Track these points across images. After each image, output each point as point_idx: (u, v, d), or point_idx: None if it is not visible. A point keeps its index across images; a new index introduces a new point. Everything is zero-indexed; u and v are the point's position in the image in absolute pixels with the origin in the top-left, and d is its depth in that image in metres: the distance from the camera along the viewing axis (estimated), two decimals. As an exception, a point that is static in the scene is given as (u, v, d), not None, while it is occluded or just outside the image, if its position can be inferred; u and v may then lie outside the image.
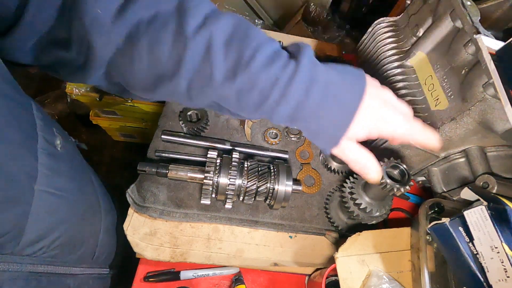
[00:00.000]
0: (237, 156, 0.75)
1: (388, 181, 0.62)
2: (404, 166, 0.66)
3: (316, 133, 0.50)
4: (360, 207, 0.70)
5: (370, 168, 0.54)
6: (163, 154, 0.81)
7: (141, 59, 0.42)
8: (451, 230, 0.61)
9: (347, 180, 0.76)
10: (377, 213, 0.71)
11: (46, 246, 0.48)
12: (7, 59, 0.43)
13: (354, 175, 0.76)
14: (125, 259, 0.85)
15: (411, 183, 0.64)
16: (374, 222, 0.77)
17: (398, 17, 1.01)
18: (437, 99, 0.77)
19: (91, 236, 0.65)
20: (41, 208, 0.44)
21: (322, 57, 1.14)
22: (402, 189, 0.63)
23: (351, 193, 0.73)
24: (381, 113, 0.48)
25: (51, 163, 0.47)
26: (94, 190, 0.68)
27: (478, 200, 0.61)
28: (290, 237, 0.80)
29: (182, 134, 0.86)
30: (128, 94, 0.53)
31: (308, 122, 0.48)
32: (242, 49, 0.43)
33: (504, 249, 0.54)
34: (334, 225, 0.80)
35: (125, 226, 0.75)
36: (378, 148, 0.86)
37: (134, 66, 0.43)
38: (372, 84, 0.50)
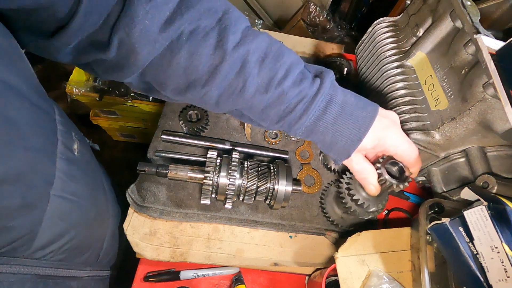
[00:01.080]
0: (237, 156, 0.75)
1: (387, 177, 0.63)
2: (403, 163, 0.66)
3: (330, 146, 0.56)
4: (358, 203, 0.71)
5: (370, 182, 0.62)
6: (163, 154, 0.81)
7: (178, 65, 0.46)
8: (451, 230, 0.61)
9: (344, 176, 0.76)
10: (374, 208, 0.71)
11: (56, 250, 0.48)
12: (49, 59, 0.46)
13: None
14: (125, 259, 0.86)
15: (410, 179, 0.65)
16: (370, 217, 0.77)
17: (398, 17, 1.01)
18: (437, 99, 0.77)
19: (98, 240, 0.66)
20: (54, 213, 0.45)
21: (322, 57, 1.14)
22: (400, 186, 0.63)
23: (348, 188, 0.73)
24: (388, 130, 0.56)
25: (68, 168, 0.47)
26: (104, 195, 0.70)
27: (478, 200, 0.61)
28: (290, 237, 0.80)
29: (182, 134, 0.86)
30: (157, 94, 0.55)
31: (323, 135, 0.54)
32: (275, 69, 0.49)
33: (504, 249, 0.54)
34: (330, 219, 0.80)
35: (125, 226, 0.75)
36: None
37: (170, 71, 0.47)
38: (382, 109, 0.58)
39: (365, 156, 0.61)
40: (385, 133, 0.56)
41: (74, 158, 0.50)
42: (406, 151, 0.60)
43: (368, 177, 0.60)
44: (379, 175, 0.63)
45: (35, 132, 0.40)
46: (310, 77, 0.52)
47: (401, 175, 0.66)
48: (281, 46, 0.51)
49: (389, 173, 0.64)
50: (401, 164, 0.66)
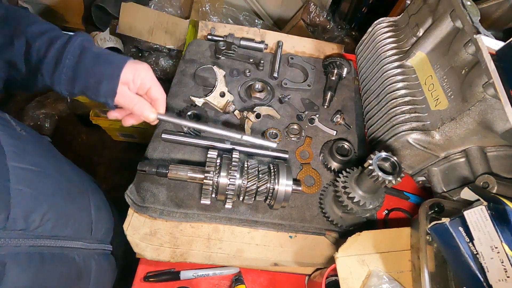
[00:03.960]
0: (237, 156, 0.75)
1: (380, 173, 0.63)
2: (395, 158, 0.67)
3: (97, 89, 0.60)
4: (354, 201, 0.71)
5: (144, 109, 0.65)
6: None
7: None
8: (451, 230, 0.61)
9: (340, 175, 0.76)
10: (371, 206, 0.71)
11: (38, 220, 0.51)
12: None
13: (347, 170, 0.76)
14: (125, 259, 0.86)
15: (403, 174, 0.65)
16: (368, 215, 0.77)
17: (398, 17, 1.01)
18: (437, 99, 0.77)
19: (83, 210, 0.68)
20: (20, 183, 0.48)
21: (322, 57, 1.14)
22: (393, 181, 0.63)
23: (344, 187, 0.73)
24: (141, 67, 0.64)
25: (15, 142, 0.51)
26: (75, 171, 0.72)
27: (478, 200, 0.61)
28: (290, 237, 0.80)
29: (182, 133, 0.86)
30: None
31: (87, 79, 0.59)
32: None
33: (504, 249, 0.54)
34: (329, 219, 0.80)
35: (125, 226, 0.75)
36: (381, 145, 0.86)
37: None
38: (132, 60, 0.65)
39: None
40: (139, 67, 0.63)
41: (20, 135, 0.55)
42: (154, 84, 0.65)
43: (137, 105, 0.64)
44: (371, 171, 0.64)
45: None
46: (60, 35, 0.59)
47: (394, 170, 0.66)
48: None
49: (382, 169, 0.64)
50: (393, 160, 0.66)
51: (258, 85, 0.98)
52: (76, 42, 0.58)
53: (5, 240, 0.45)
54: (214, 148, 0.85)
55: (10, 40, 0.57)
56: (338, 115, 0.97)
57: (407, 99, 0.84)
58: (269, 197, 0.75)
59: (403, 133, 0.79)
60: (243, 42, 1.07)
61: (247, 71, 1.02)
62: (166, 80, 1.68)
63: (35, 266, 0.50)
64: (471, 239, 0.58)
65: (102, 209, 0.76)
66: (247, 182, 0.73)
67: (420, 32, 0.87)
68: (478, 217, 0.58)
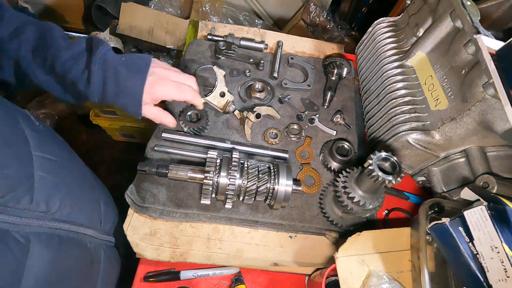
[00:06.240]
0: (237, 156, 0.75)
1: (380, 173, 0.63)
2: (395, 158, 0.67)
3: (124, 110, 0.70)
4: (354, 201, 0.71)
5: (166, 119, 0.77)
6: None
7: None
8: (451, 230, 0.61)
9: (340, 175, 0.76)
10: (371, 206, 0.71)
11: (57, 205, 0.56)
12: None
13: (347, 169, 0.76)
14: (125, 259, 0.86)
15: (403, 174, 0.65)
16: (368, 215, 0.77)
17: (398, 17, 1.01)
18: (437, 99, 0.77)
19: (94, 202, 0.73)
20: (42, 170, 0.53)
21: (322, 57, 1.14)
22: (393, 181, 0.63)
23: (344, 187, 0.73)
24: (155, 86, 0.69)
25: (36, 134, 0.57)
26: (83, 164, 0.77)
27: (478, 200, 0.61)
28: (290, 237, 0.80)
29: (182, 132, 0.86)
30: None
31: (114, 104, 0.68)
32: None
33: (504, 249, 0.54)
34: (329, 219, 0.80)
35: (125, 226, 0.75)
36: (381, 145, 0.86)
37: None
38: (157, 65, 0.71)
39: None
40: (156, 89, 0.69)
41: (39, 128, 0.60)
42: (175, 96, 0.72)
43: (158, 116, 0.75)
44: (371, 171, 0.64)
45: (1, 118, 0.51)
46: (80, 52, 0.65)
47: (393, 170, 0.66)
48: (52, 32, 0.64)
49: (382, 169, 0.64)
50: (393, 159, 0.66)
51: (258, 85, 0.98)
52: (97, 74, 0.64)
53: (29, 220, 0.49)
54: (214, 147, 0.85)
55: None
56: (338, 115, 0.97)
57: (407, 99, 0.84)
58: (269, 197, 0.75)
59: (403, 133, 0.79)
60: (243, 42, 1.07)
61: (247, 71, 1.02)
62: (166, 80, 1.67)
63: (55, 246, 0.54)
64: (471, 239, 0.58)
65: (109, 204, 0.79)
66: (247, 182, 0.73)
67: (420, 32, 0.87)
68: (478, 217, 0.58)
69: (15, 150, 0.50)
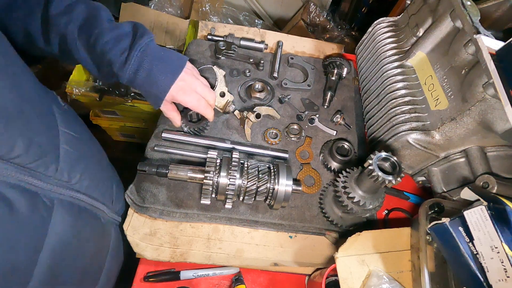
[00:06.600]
0: (237, 156, 0.75)
1: (380, 173, 0.63)
2: (395, 158, 0.67)
3: (147, 98, 0.76)
4: (354, 201, 0.71)
5: (174, 117, 0.82)
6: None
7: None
8: (451, 230, 0.61)
9: (340, 175, 0.76)
10: (371, 206, 0.71)
11: (78, 177, 0.61)
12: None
13: (347, 169, 0.76)
14: (125, 259, 0.86)
15: (403, 174, 0.65)
16: (368, 215, 0.77)
17: (398, 17, 1.01)
18: (437, 99, 0.77)
19: (108, 180, 0.76)
20: (66, 143, 0.59)
21: (322, 57, 1.14)
22: (393, 181, 0.63)
23: (344, 187, 0.73)
24: (178, 93, 0.74)
25: (61, 112, 0.62)
26: (102, 148, 0.81)
27: (478, 200, 0.61)
28: (290, 237, 0.80)
29: (182, 132, 0.86)
30: None
31: (140, 89, 0.73)
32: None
33: (504, 249, 0.54)
34: (329, 219, 0.80)
35: (125, 226, 0.75)
36: (381, 145, 0.86)
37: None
38: (189, 71, 0.76)
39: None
40: (177, 94, 0.74)
41: (64, 109, 0.65)
42: (192, 106, 0.77)
43: (170, 116, 0.81)
44: (371, 171, 0.64)
45: (37, 93, 0.56)
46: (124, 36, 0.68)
47: (393, 170, 0.66)
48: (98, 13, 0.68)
49: (382, 169, 0.64)
50: (393, 159, 0.66)
51: (258, 85, 0.98)
52: (134, 61, 0.68)
53: (53, 186, 0.54)
54: (214, 147, 0.85)
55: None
56: (338, 115, 0.97)
57: (407, 99, 0.84)
58: (269, 197, 0.75)
59: (403, 133, 0.79)
60: (243, 42, 1.07)
61: (247, 71, 1.02)
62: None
63: (74, 213, 0.59)
64: (471, 239, 0.58)
65: (120, 188, 0.81)
66: (247, 182, 0.73)
67: (420, 32, 0.87)
68: (478, 217, 0.58)
69: (47, 123, 0.56)
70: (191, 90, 0.76)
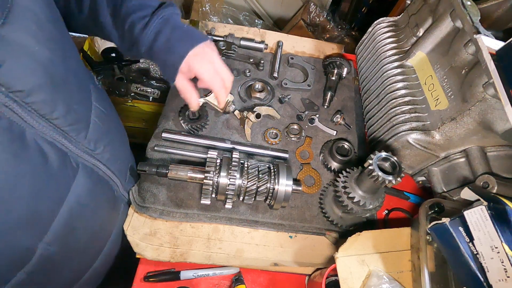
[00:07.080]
0: (237, 156, 0.75)
1: (380, 173, 0.63)
2: (395, 158, 0.67)
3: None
4: (354, 201, 0.71)
5: (191, 97, 0.76)
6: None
7: None
8: (451, 230, 0.61)
9: (340, 175, 0.76)
10: (371, 206, 0.71)
11: (101, 148, 0.64)
12: None
13: (347, 169, 0.76)
14: (125, 259, 0.86)
15: (402, 174, 0.65)
16: (368, 215, 0.77)
17: (398, 17, 1.01)
18: (437, 99, 0.77)
19: (125, 159, 0.79)
20: (96, 116, 0.64)
21: (322, 57, 1.14)
22: (393, 181, 0.63)
23: (344, 187, 0.73)
24: (195, 59, 0.71)
25: (95, 88, 0.68)
26: (124, 130, 0.85)
27: (478, 200, 0.61)
28: (290, 237, 0.80)
29: (183, 132, 0.86)
30: None
31: (158, 62, 0.73)
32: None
33: (504, 249, 0.54)
34: (329, 219, 0.80)
35: (125, 226, 0.75)
36: (381, 145, 0.86)
37: None
38: (210, 45, 0.74)
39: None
40: (193, 60, 0.71)
41: (97, 86, 0.70)
42: (207, 78, 0.72)
43: (183, 91, 0.75)
44: (371, 171, 0.64)
45: (78, 66, 0.62)
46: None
47: (394, 170, 0.66)
48: None
49: (382, 169, 0.64)
50: (393, 159, 0.66)
51: (258, 85, 0.98)
52: (155, 25, 0.68)
53: (80, 152, 0.58)
54: (214, 147, 0.85)
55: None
56: (338, 115, 0.97)
57: (407, 99, 0.84)
58: (269, 197, 0.75)
59: (403, 133, 0.79)
60: (243, 42, 1.07)
61: (247, 71, 1.02)
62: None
63: (94, 179, 0.64)
64: (471, 239, 0.58)
65: (133, 171, 0.82)
66: (247, 182, 0.73)
67: (420, 32, 0.87)
68: (478, 217, 0.58)
69: (84, 95, 0.62)
70: (208, 61, 0.72)
